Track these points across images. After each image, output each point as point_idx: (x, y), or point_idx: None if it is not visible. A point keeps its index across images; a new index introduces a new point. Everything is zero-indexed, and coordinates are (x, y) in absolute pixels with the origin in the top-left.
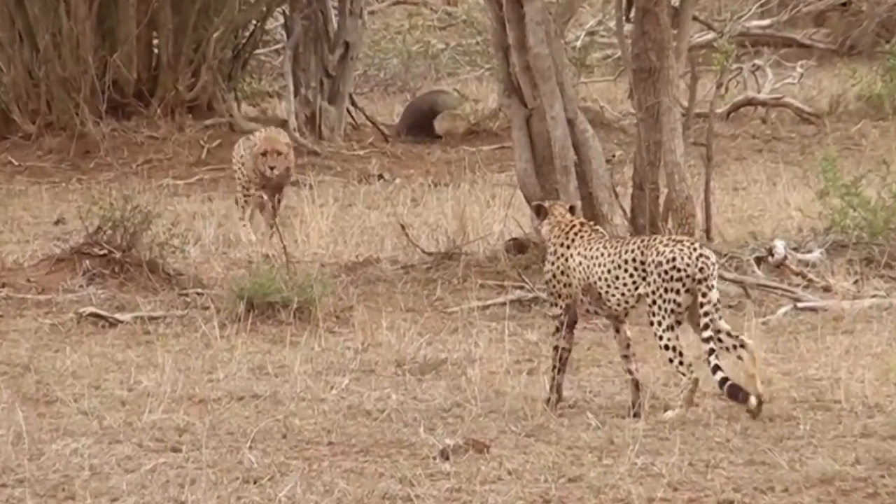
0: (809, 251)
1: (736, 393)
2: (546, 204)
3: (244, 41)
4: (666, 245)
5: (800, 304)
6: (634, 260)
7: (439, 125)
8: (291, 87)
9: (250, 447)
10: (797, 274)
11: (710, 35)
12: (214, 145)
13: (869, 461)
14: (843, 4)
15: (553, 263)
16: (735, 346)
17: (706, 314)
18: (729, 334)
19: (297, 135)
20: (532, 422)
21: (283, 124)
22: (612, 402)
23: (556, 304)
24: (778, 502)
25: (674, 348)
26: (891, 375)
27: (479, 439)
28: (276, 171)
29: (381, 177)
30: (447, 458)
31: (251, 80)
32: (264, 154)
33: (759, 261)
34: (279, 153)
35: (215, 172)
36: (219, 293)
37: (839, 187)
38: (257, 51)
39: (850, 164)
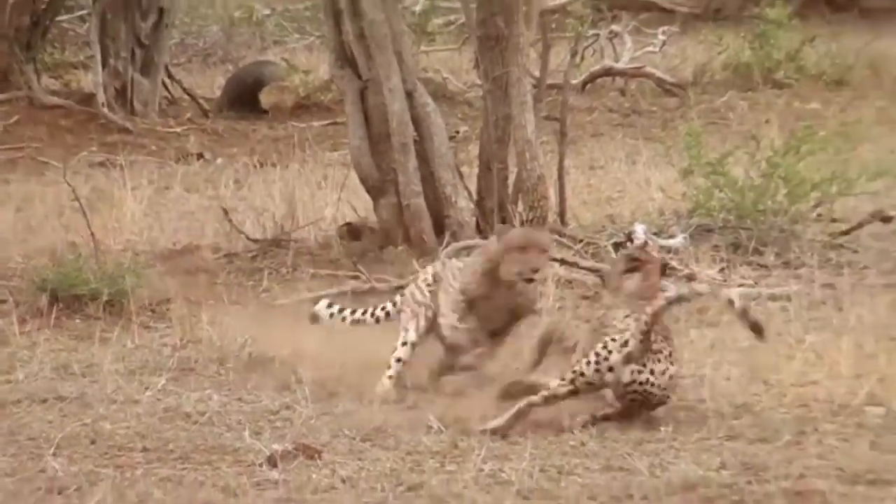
0: (672, 236)
1: None
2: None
3: (44, 7)
4: None
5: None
6: None
7: (265, 99)
8: (99, 58)
9: (54, 454)
10: None
11: None
12: (12, 122)
13: (735, 466)
14: None
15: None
16: None
17: None
18: None
19: (105, 110)
20: (368, 425)
21: (89, 99)
22: (457, 403)
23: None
24: None
25: None
26: (759, 373)
27: (310, 444)
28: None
29: (200, 156)
30: (275, 465)
31: (53, 49)
32: (523, 249)
33: (617, 246)
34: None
35: (13, 152)
36: (18, 285)
37: (704, 165)
38: (59, 17)
39: (717, 140)
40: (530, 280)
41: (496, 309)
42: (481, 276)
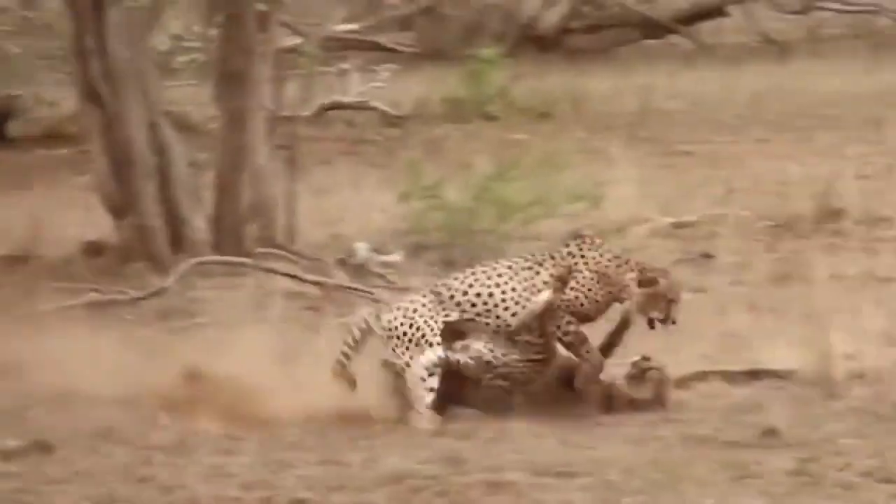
0: (391, 253)
1: None
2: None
3: None
4: None
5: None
6: None
7: (13, 128)
8: None
9: None
10: (378, 275)
11: (297, 39)
12: None
13: (439, 460)
14: (429, 9)
15: None
16: None
17: None
18: None
19: None
20: (102, 423)
21: None
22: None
23: None
24: (349, 500)
25: None
26: None
27: (45, 440)
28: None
29: None
30: (9, 459)
31: None
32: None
33: (341, 263)
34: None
35: None
36: None
37: (421, 190)
38: None
39: (433, 167)
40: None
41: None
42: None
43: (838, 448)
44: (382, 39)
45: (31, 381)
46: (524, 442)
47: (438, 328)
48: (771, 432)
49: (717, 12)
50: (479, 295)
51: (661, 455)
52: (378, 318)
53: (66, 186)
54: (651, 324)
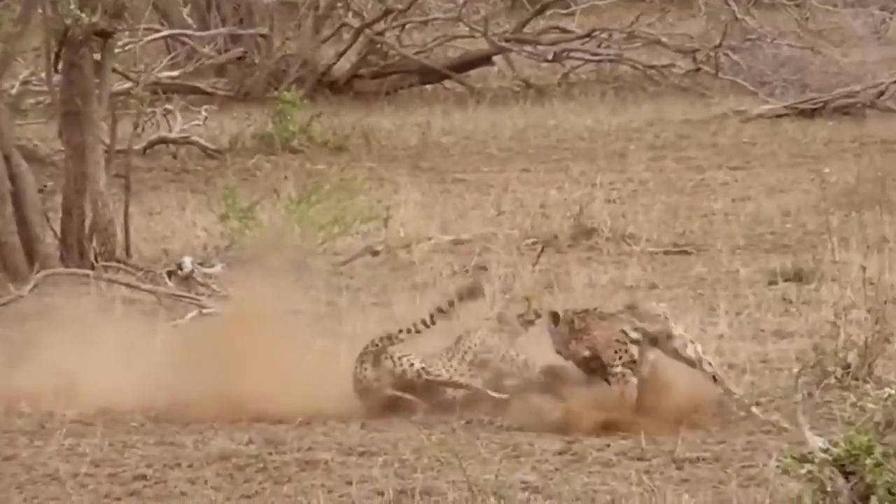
0: (213, 265)
1: None
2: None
3: None
4: None
5: (204, 311)
6: None
7: None
8: None
9: None
10: (202, 285)
11: (128, 84)
12: None
13: (260, 441)
14: (240, 58)
15: None
16: None
17: None
18: None
19: None
20: None
21: None
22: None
23: None
24: (184, 476)
25: None
26: None
27: None
28: None
29: None
30: None
31: None
32: None
33: (170, 274)
34: None
35: None
36: None
37: (238, 211)
38: None
39: (247, 192)
40: None
41: None
42: None
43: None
44: (201, 84)
45: None
46: (332, 426)
47: None
48: None
49: (484, 61)
50: None
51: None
52: None
53: None
54: None
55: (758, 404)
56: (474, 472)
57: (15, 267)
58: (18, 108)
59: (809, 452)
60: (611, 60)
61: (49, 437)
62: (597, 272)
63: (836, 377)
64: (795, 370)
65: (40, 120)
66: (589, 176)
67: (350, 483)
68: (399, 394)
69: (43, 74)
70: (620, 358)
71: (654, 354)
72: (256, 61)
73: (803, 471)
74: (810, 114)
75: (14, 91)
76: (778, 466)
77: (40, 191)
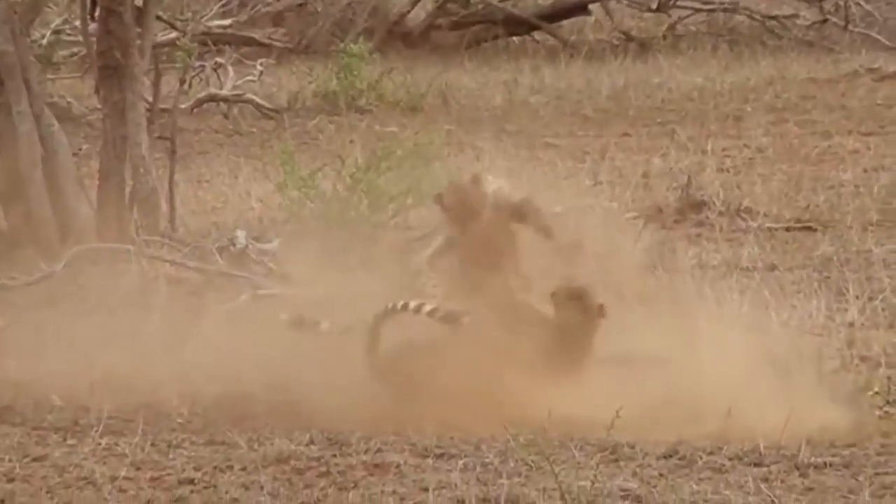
0: (269, 240)
1: None
2: None
3: None
4: None
5: (260, 292)
6: None
7: None
8: None
9: None
10: (257, 262)
11: (174, 34)
12: None
13: (322, 441)
14: (300, 5)
15: None
16: None
17: None
18: None
19: None
20: None
21: None
22: (74, 383)
23: None
24: (236, 480)
25: None
26: None
27: None
28: None
29: None
30: None
31: None
32: None
33: (221, 250)
34: None
35: None
36: None
37: (297, 180)
38: None
39: (308, 158)
40: None
41: None
42: None
43: None
44: (256, 34)
45: None
46: (404, 424)
47: None
48: None
49: (579, 10)
50: None
51: None
52: None
53: None
54: None
55: (894, 402)
56: (567, 479)
57: (46, 241)
58: (50, 61)
59: None
60: (724, 10)
61: (84, 435)
62: (707, 251)
63: None
64: None
65: (75, 74)
66: (698, 142)
67: (425, 489)
68: None
69: (77, 23)
70: None
71: None
72: (319, 9)
73: None
74: None
75: (45, 41)
76: None
77: (74, 154)
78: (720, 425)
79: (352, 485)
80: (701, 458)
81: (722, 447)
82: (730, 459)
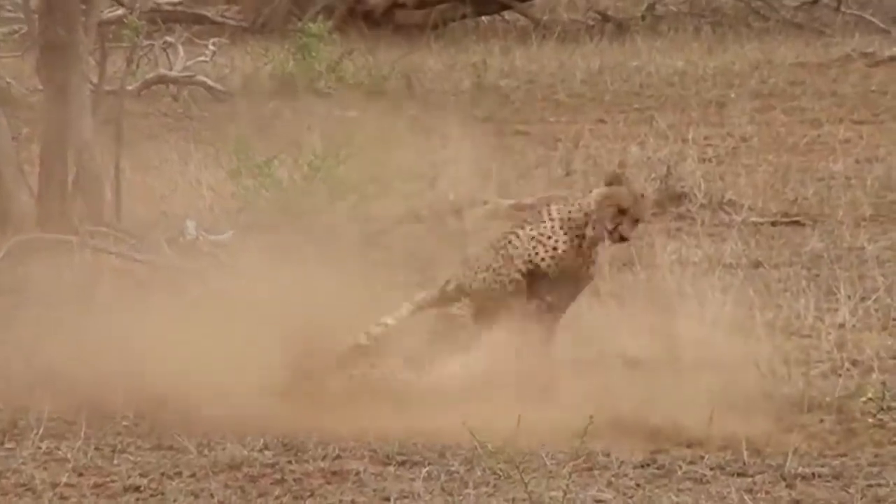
0: (221, 232)
1: None
2: None
3: None
4: None
5: (210, 286)
6: None
7: None
8: None
9: None
10: (208, 254)
11: (121, 10)
12: None
13: (277, 447)
14: None
15: None
16: None
17: None
18: None
19: None
20: None
21: None
22: (12, 382)
23: None
24: (185, 487)
25: None
26: None
27: None
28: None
29: None
30: None
31: None
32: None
33: (170, 241)
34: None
35: None
36: None
37: (251, 167)
38: None
39: (263, 145)
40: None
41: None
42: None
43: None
44: (208, 12)
45: None
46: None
47: None
48: None
49: None
50: None
51: None
52: None
53: None
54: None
55: (888, 409)
56: (538, 489)
57: None
58: None
59: None
60: None
61: (23, 438)
62: (688, 246)
63: None
64: None
65: (15, 53)
66: (679, 130)
67: (387, 499)
68: None
69: None
70: None
71: None
72: None
73: None
74: None
75: None
76: None
77: (14, 139)
78: (700, 433)
79: (308, 493)
80: (680, 467)
81: (703, 456)
82: (711, 469)
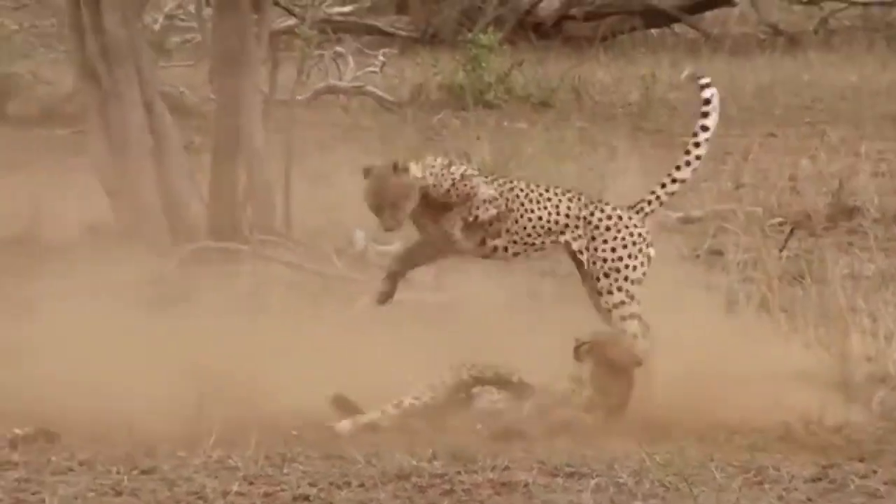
0: (389, 243)
1: None
2: None
3: None
4: None
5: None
6: None
7: (11, 107)
8: None
9: None
10: (377, 265)
11: (292, 21)
12: None
13: (446, 457)
14: None
15: None
16: None
17: None
18: None
19: None
20: (105, 412)
21: None
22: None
23: None
24: (354, 497)
25: None
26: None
27: (49, 429)
28: None
29: None
30: (15, 448)
31: None
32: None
33: (339, 252)
34: None
35: None
36: None
37: None
38: None
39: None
40: None
41: None
42: None
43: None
44: (378, 23)
45: (31, 367)
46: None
47: None
48: None
49: (722, 1)
50: None
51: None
52: None
53: (64, 167)
54: None
55: None
56: (707, 501)
57: (156, 237)
58: (162, 48)
59: None
60: (882, 3)
61: (195, 446)
62: (860, 261)
63: None
64: None
65: (188, 62)
66: (851, 144)
67: None
68: None
69: (191, 7)
70: None
71: None
72: None
73: None
74: None
75: (157, 27)
76: None
77: (186, 148)
78: (873, 447)
79: None
80: (853, 481)
81: (876, 470)
82: (885, 484)
